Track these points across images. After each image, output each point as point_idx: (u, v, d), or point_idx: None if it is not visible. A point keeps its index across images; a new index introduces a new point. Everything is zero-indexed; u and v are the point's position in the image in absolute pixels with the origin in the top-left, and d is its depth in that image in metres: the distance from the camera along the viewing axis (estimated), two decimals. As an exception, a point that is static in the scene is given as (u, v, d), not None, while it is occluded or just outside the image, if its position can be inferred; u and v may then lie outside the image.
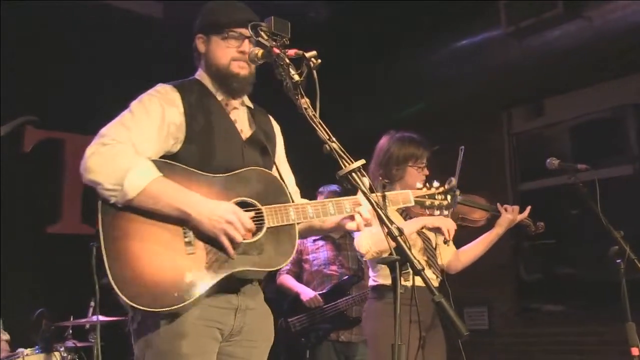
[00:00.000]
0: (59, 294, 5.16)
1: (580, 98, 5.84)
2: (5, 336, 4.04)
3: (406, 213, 3.55)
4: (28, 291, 5.29)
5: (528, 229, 3.82)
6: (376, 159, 3.59)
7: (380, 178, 3.44)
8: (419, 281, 3.10)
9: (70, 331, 4.72)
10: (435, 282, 3.46)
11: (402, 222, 3.42)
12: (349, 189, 1.99)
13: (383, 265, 3.45)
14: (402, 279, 3.30)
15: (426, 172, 3.56)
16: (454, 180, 2.83)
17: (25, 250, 5.45)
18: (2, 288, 4.37)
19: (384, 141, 3.62)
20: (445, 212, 2.83)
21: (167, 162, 2.28)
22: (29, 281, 5.43)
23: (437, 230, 3.35)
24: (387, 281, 3.41)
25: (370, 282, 3.55)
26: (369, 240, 3.26)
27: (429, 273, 3.47)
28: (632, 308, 3.22)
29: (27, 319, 4.56)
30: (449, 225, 3.32)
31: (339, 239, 5.00)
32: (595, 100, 5.75)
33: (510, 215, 3.64)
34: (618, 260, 3.27)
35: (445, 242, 3.37)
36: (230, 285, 2.28)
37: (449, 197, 2.78)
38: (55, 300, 4.93)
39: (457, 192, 2.85)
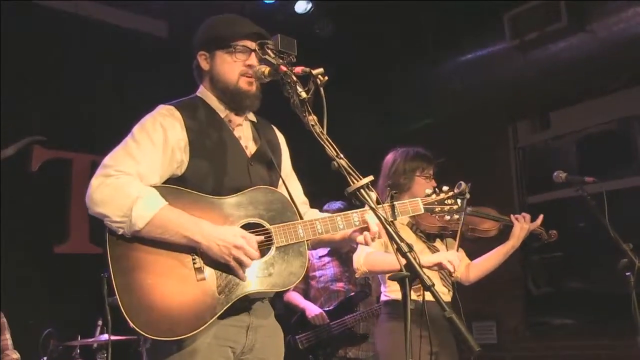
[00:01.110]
0: (66, 313, 5.14)
1: (585, 110, 5.83)
2: (16, 355, 4.04)
3: (416, 227, 3.54)
4: (36, 311, 5.27)
5: (541, 237, 3.77)
6: (384, 173, 3.63)
7: (389, 189, 3.44)
8: (430, 296, 3.12)
9: (78, 351, 4.71)
10: (446, 296, 3.46)
11: (385, 254, 3.41)
12: (357, 205, 1.99)
13: (387, 280, 3.46)
14: (414, 294, 3.34)
15: (433, 183, 3.57)
16: (463, 184, 2.82)
17: (32, 270, 5.45)
18: (10, 308, 4.36)
19: (390, 156, 3.67)
20: (456, 216, 2.81)
21: (173, 188, 2.28)
22: (37, 301, 5.41)
23: (438, 266, 3.28)
24: (400, 296, 3.40)
25: (382, 298, 3.55)
26: (361, 259, 3.30)
27: (440, 287, 3.46)
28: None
29: (36, 339, 4.55)
30: (449, 258, 3.25)
31: (346, 254, 4.99)
32: (601, 112, 5.73)
33: (524, 225, 3.60)
34: (628, 273, 3.25)
35: (451, 274, 3.34)
36: (241, 306, 2.28)
37: (459, 201, 2.76)
38: (63, 320, 4.92)
39: (468, 196, 2.84)
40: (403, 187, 3.53)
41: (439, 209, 2.71)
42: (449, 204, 2.73)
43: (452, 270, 3.23)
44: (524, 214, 3.67)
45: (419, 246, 3.47)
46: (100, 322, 4.59)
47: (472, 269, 3.66)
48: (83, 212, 2.24)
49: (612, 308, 4.17)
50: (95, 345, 4.67)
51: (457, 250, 3.42)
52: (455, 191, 2.77)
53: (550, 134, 6.22)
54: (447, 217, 2.75)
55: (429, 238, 3.58)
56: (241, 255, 2.17)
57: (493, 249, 3.67)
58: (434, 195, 2.72)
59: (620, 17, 4.67)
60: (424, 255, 3.38)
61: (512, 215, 3.67)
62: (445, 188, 2.77)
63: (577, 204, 3.69)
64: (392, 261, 3.34)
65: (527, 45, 5.11)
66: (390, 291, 3.47)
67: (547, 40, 5.01)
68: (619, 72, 5.20)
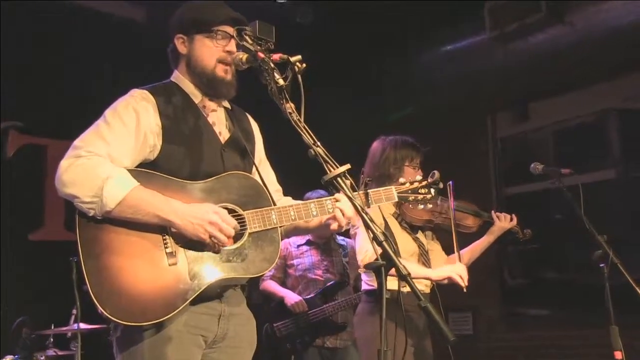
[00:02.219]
0: (40, 301, 5.09)
1: (564, 102, 5.87)
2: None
3: (401, 218, 3.55)
4: (9, 299, 5.22)
5: (517, 236, 3.86)
6: (371, 161, 3.60)
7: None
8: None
9: (52, 339, 4.66)
10: (427, 288, 3.48)
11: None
12: (334, 193, 1.98)
13: None
14: (394, 284, 3.35)
15: (420, 172, 3.57)
16: (437, 174, 2.82)
17: (6, 257, 5.38)
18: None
19: (377, 144, 3.64)
20: (430, 206, 2.81)
21: (144, 171, 2.24)
22: (10, 289, 5.35)
23: (448, 280, 3.35)
24: (388, 286, 3.42)
25: (364, 286, 3.55)
26: (370, 254, 3.25)
27: (422, 280, 3.48)
28: (616, 312, 3.23)
29: (8, 327, 4.50)
30: (458, 272, 3.31)
31: (324, 243, 4.99)
32: (579, 104, 5.78)
33: (504, 224, 3.70)
34: (601, 264, 3.27)
35: (462, 288, 3.36)
36: (213, 292, 2.26)
37: (432, 190, 2.76)
38: (37, 308, 4.86)
39: (441, 185, 2.85)
40: (392, 177, 3.50)
41: (413, 197, 2.72)
42: (422, 193, 2.74)
43: (463, 285, 3.29)
44: (504, 213, 3.74)
45: (403, 237, 3.48)
46: (74, 311, 4.55)
47: (463, 255, 3.67)
48: (58, 199, 2.19)
49: (587, 299, 4.22)
50: (69, 334, 4.63)
51: (456, 250, 3.47)
52: (429, 180, 2.77)
53: (528, 126, 6.26)
54: (421, 207, 2.75)
55: (412, 230, 3.58)
56: (215, 232, 2.15)
57: (470, 244, 3.73)
58: (407, 184, 2.72)
59: (599, 9, 4.72)
60: (433, 266, 3.46)
61: (493, 212, 3.73)
62: (418, 177, 2.77)
63: (554, 196, 3.72)
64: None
65: (507, 37, 5.13)
66: (373, 280, 3.46)
67: (526, 32, 5.04)
68: (597, 65, 5.24)
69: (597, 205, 3.66)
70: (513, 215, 3.78)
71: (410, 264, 3.36)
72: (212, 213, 2.16)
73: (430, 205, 2.81)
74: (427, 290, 3.49)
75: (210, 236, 2.15)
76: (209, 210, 2.18)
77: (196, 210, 2.17)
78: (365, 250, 3.28)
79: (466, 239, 3.75)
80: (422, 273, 3.37)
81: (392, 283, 3.40)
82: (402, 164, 3.53)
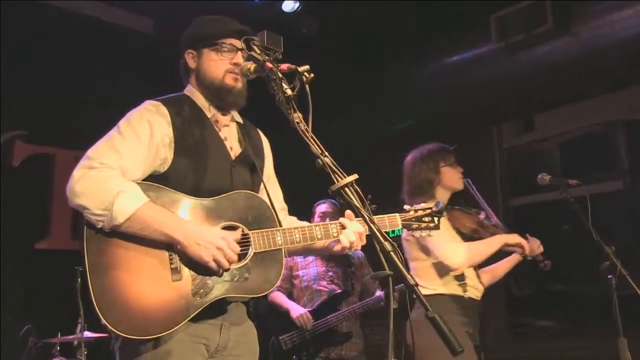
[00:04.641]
0: (47, 310, 5.10)
1: (570, 113, 5.87)
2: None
3: (451, 224, 3.59)
4: (15, 307, 5.22)
5: (538, 263, 3.80)
6: (407, 177, 3.67)
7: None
8: (473, 293, 3.38)
9: (58, 348, 4.66)
10: (480, 293, 3.59)
11: (482, 241, 3.52)
12: (342, 203, 1.98)
13: (445, 273, 3.45)
14: (460, 289, 3.44)
15: (460, 168, 3.68)
16: (441, 203, 2.81)
17: (12, 266, 5.39)
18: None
19: (407, 160, 3.73)
20: (433, 234, 2.80)
21: (154, 185, 2.25)
22: (16, 297, 5.36)
23: (517, 246, 3.53)
24: (448, 290, 3.49)
25: (425, 292, 3.49)
26: (461, 257, 3.40)
27: (478, 285, 3.57)
28: (624, 324, 3.21)
29: (15, 336, 4.50)
30: (523, 242, 3.52)
31: (330, 255, 4.98)
32: (585, 115, 5.78)
33: (534, 247, 3.69)
34: (610, 276, 3.26)
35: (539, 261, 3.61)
36: (214, 309, 2.27)
37: (435, 219, 2.75)
38: (44, 316, 4.87)
39: (445, 215, 2.85)
40: (432, 182, 3.59)
41: (416, 225, 2.70)
42: (426, 222, 2.71)
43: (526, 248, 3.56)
44: (535, 238, 3.73)
45: (454, 239, 3.56)
46: (80, 320, 4.56)
47: (483, 275, 3.73)
48: (65, 208, 2.21)
49: (594, 310, 4.21)
50: (75, 342, 4.63)
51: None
52: (433, 209, 2.76)
53: (534, 137, 6.26)
54: (423, 234, 2.73)
55: (462, 237, 3.61)
56: (220, 257, 2.16)
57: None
58: (412, 212, 2.71)
59: (605, 21, 4.71)
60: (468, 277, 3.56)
61: (528, 236, 3.70)
62: (423, 205, 2.76)
63: (560, 207, 3.70)
64: (490, 246, 3.49)
65: (513, 47, 5.13)
66: (437, 284, 3.48)
67: (532, 43, 5.03)
68: (603, 76, 5.24)
69: (605, 216, 3.64)
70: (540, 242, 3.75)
71: (473, 243, 3.48)
72: (220, 238, 2.18)
73: (482, 216, 2.82)
74: (479, 296, 3.57)
75: (214, 260, 2.16)
76: (217, 235, 2.19)
77: (204, 233, 2.18)
78: (453, 254, 3.39)
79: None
80: (495, 246, 3.50)
81: (453, 287, 3.42)
82: (438, 167, 3.61)
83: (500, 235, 3.54)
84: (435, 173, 3.59)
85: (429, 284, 3.52)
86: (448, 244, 3.41)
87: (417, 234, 2.72)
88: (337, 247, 2.43)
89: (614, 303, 3.23)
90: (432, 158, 3.62)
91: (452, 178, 3.62)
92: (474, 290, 3.56)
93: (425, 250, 3.53)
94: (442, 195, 3.62)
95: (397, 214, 2.67)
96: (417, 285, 1.83)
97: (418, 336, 3.37)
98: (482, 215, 3.67)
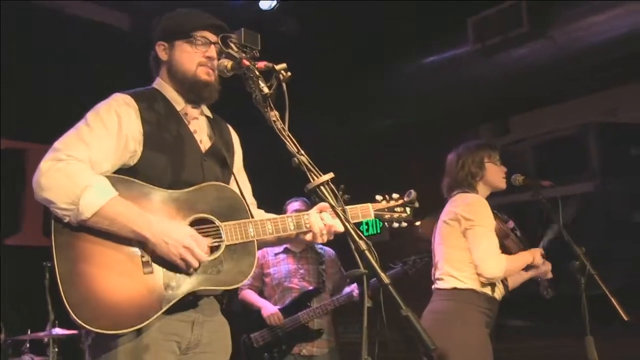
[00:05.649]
0: (16, 307, 5.03)
1: (544, 115, 5.93)
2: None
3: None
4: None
5: (542, 288, 3.82)
6: (451, 172, 3.70)
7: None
8: (498, 294, 3.41)
9: (28, 345, 4.61)
10: (502, 294, 3.61)
11: (518, 257, 3.53)
12: (316, 202, 1.98)
13: (471, 267, 3.42)
14: (489, 288, 3.46)
15: (504, 168, 3.70)
16: (413, 193, 2.82)
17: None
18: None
19: (451, 156, 3.76)
20: (405, 224, 2.81)
21: (123, 179, 2.22)
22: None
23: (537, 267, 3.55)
24: (480, 287, 3.46)
25: (458, 284, 3.48)
26: (500, 269, 3.39)
27: (502, 286, 3.58)
28: (592, 323, 3.27)
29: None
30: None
31: (301, 252, 4.98)
32: (559, 117, 5.84)
33: (548, 269, 3.70)
34: (579, 276, 3.32)
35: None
36: (187, 302, 2.25)
37: (408, 209, 2.76)
38: (14, 313, 4.81)
39: (417, 205, 2.84)
40: (476, 175, 3.61)
41: (389, 216, 2.71)
42: (398, 212, 2.73)
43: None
44: (549, 263, 3.72)
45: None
46: (49, 316, 4.51)
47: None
48: (37, 204, 2.16)
49: (564, 310, 4.25)
50: (46, 339, 4.58)
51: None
52: (405, 199, 2.77)
53: (509, 139, 6.31)
54: (396, 225, 2.74)
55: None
56: (188, 257, 2.15)
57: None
58: (384, 202, 2.72)
59: (581, 25, 4.77)
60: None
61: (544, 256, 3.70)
62: (395, 195, 2.77)
63: (532, 208, 3.75)
64: (523, 262, 3.51)
65: (490, 50, 5.17)
66: (467, 278, 3.44)
67: (509, 45, 5.08)
68: (578, 79, 5.31)
69: (575, 217, 3.70)
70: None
71: (512, 258, 3.47)
72: (188, 237, 2.16)
73: (405, 224, 2.80)
74: (500, 297, 3.58)
75: (182, 259, 2.15)
76: (186, 233, 2.17)
77: (172, 230, 2.16)
78: (496, 264, 3.37)
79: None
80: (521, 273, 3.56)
81: (474, 282, 3.42)
82: (482, 162, 3.63)
83: (531, 252, 3.54)
84: (479, 167, 3.62)
85: (461, 275, 3.47)
86: (495, 254, 3.39)
87: (394, 225, 2.73)
88: (308, 237, 2.45)
89: (582, 303, 3.28)
90: (478, 153, 3.65)
91: (495, 175, 3.64)
92: (499, 291, 3.58)
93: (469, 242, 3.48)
94: (483, 192, 3.65)
95: (369, 204, 2.68)
96: (390, 284, 1.84)
97: (456, 329, 3.40)
98: (510, 224, 3.68)
